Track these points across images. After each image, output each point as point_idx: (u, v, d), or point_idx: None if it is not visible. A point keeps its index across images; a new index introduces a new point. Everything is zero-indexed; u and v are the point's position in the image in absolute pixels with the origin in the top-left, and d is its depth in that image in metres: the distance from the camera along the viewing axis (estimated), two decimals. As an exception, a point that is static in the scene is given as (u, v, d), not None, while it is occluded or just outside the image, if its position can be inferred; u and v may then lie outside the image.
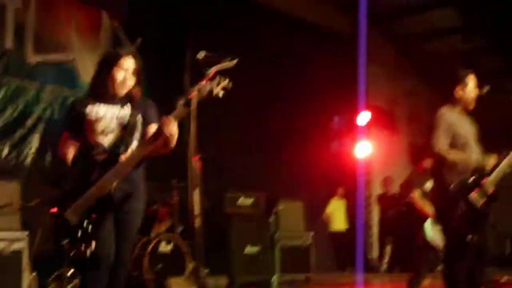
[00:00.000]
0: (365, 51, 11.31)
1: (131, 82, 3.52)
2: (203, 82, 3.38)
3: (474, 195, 4.31)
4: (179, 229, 7.63)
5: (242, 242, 8.22)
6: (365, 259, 12.16)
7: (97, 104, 3.48)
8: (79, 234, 3.26)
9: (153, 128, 3.46)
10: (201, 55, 3.48)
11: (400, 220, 11.18)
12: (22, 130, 7.59)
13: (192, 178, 3.13)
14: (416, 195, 6.87)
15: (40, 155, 7.63)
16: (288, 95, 11.42)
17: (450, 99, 4.57)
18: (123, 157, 3.35)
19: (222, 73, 3.51)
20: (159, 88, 8.95)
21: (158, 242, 7.16)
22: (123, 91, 3.51)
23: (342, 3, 12.05)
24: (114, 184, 3.31)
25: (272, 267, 8.55)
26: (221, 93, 3.39)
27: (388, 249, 11.43)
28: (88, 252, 3.23)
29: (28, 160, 7.43)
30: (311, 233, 9.27)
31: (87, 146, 3.44)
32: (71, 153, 3.49)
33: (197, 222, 3.08)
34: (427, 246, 6.44)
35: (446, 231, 4.59)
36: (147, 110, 3.56)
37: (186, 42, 9.49)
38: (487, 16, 11.64)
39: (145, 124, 3.53)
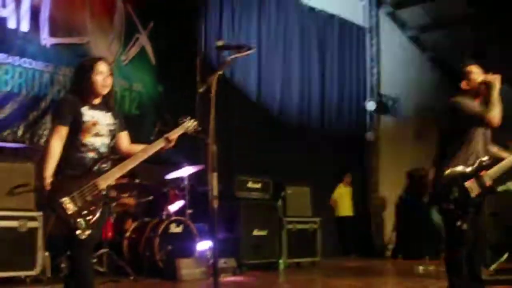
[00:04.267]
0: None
1: (109, 82, 3.94)
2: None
3: (469, 184, 4.40)
4: (189, 211, 7.77)
5: (250, 225, 8.36)
6: (370, 245, 12.33)
7: (88, 108, 3.88)
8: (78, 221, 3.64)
9: (125, 136, 4.09)
10: (220, 42, 3.61)
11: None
12: (36, 112, 7.71)
13: (210, 162, 3.26)
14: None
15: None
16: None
17: (459, 92, 4.62)
18: (128, 160, 3.91)
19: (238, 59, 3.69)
20: (171, 71, 9.09)
21: (169, 224, 7.31)
22: (104, 91, 3.93)
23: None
24: (111, 181, 3.83)
25: (279, 250, 8.71)
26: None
27: (393, 235, 11.53)
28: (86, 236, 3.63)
29: (42, 141, 7.53)
30: (318, 218, 9.39)
31: (79, 143, 3.82)
32: (59, 147, 3.75)
33: (215, 204, 3.22)
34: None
35: (443, 216, 4.66)
36: (121, 120, 4.11)
37: (198, 26, 9.58)
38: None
39: (119, 130, 4.08)
